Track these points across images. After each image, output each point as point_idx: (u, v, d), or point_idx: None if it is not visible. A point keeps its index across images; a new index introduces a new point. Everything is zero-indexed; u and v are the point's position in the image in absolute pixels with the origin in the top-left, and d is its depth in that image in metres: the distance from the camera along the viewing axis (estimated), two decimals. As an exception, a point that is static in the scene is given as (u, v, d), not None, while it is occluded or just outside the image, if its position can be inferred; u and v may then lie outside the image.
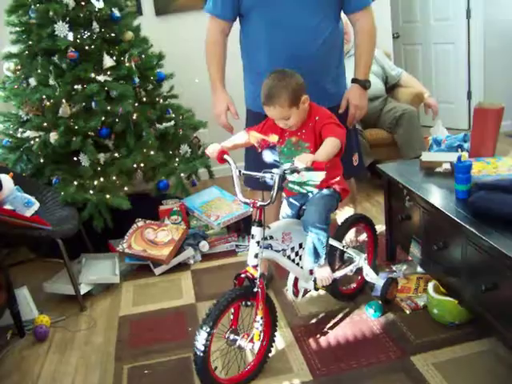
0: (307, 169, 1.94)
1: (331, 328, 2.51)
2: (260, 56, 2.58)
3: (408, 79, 4.48)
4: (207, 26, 2.71)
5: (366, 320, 2.54)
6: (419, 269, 2.82)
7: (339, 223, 2.75)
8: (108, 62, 3.43)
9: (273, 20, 2.49)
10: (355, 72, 2.67)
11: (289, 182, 2.30)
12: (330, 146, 2.09)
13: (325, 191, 2.33)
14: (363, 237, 2.89)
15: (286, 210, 2.47)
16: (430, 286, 2.48)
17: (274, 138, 2.29)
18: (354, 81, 2.66)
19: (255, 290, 2.10)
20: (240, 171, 2.17)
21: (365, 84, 2.65)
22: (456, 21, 5.41)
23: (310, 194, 2.34)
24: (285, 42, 2.50)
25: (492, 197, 2.09)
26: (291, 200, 2.45)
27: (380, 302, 2.58)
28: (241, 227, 3.59)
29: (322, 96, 2.47)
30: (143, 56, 3.71)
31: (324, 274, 2.37)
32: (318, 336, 2.46)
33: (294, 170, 1.97)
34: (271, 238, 2.21)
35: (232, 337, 2.11)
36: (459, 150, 2.72)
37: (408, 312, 2.54)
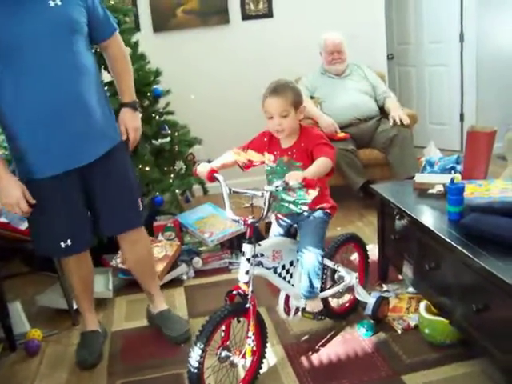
0: (298, 185, 1.98)
1: (323, 346, 2.51)
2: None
3: (391, 105, 4.35)
4: None
5: (357, 339, 2.55)
6: (411, 288, 2.84)
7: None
8: (105, 77, 3.46)
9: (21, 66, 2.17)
10: (122, 97, 2.55)
11: (281, 201, 2.34)
12: (321, 164, 2.13)
13: (317, 214, 2.37)
14: (354, 256, 2.91)
15: (276, 228, 2.50)
16: (422, 305, 2.49)
17: (269, 158, 2.35)
18: (123, 105, 2.55)
19: (247, 306, 2.12)
20: (230, 189, 2.21)
21: (134, 105, 2.58)
22: (449, 44, 5.49)
23: (304, 213, 2.37)
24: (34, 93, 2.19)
25: (484, 219, 2.13)
26: (281, 219, 2.47)
27: (372, 322, 2.59)
28: (234, 244, 3.60)
29: (100, 138, 2.38)
30: (140, 72, 3.73)
31: (314, 306, 2.42)
32: (310, 354, 2.46)
33: (285, 187, 2.02)
34: (262, 255, 2.24)
35: (224, 353, 2.11)
36: (452, 172, 2.75)
37: (399, 331, 2.55)
